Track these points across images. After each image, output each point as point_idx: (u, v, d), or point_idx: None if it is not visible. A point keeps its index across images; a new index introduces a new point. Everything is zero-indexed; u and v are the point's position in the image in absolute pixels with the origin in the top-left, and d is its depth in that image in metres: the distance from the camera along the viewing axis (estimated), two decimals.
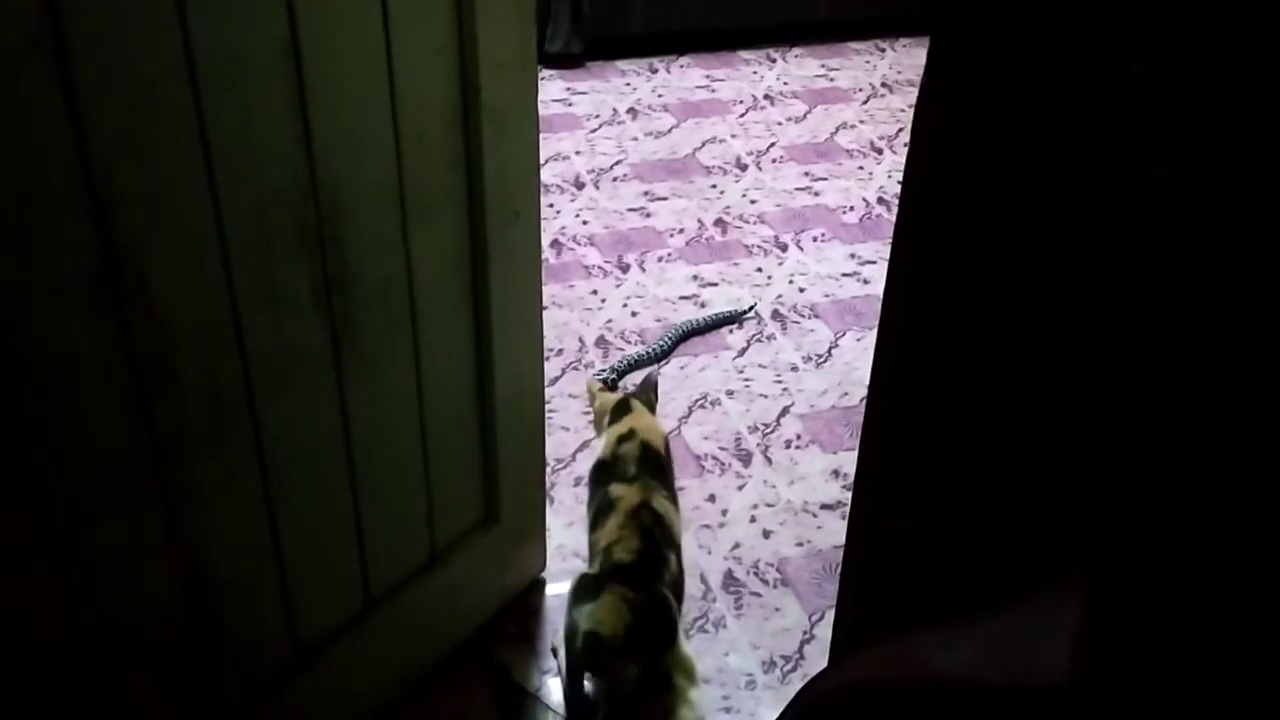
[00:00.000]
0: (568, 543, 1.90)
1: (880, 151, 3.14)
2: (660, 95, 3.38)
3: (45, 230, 0.99)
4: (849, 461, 1.99)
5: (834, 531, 1.94)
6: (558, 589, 1.82)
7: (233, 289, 1.17)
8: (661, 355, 2.31)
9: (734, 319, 2.43)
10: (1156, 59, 0.73)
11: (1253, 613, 0.67)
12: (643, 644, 1.52)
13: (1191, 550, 0.71)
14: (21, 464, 1.04)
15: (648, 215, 2.81)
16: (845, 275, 2.61)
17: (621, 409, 1.84)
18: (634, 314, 2.46)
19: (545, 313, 2.44)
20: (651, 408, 1.87)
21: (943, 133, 0.93)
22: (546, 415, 2.08)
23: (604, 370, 2.22)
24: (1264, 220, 0.73)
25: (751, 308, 2.46)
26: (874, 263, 2.65)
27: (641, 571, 1.55)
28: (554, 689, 1.66)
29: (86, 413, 1.08)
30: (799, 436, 2.15)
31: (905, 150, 1.01)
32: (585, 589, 1.55)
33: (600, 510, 1.66)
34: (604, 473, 1.72)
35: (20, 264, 0.98)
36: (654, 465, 1.72)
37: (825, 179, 2.98)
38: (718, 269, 2.62)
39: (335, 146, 1.22)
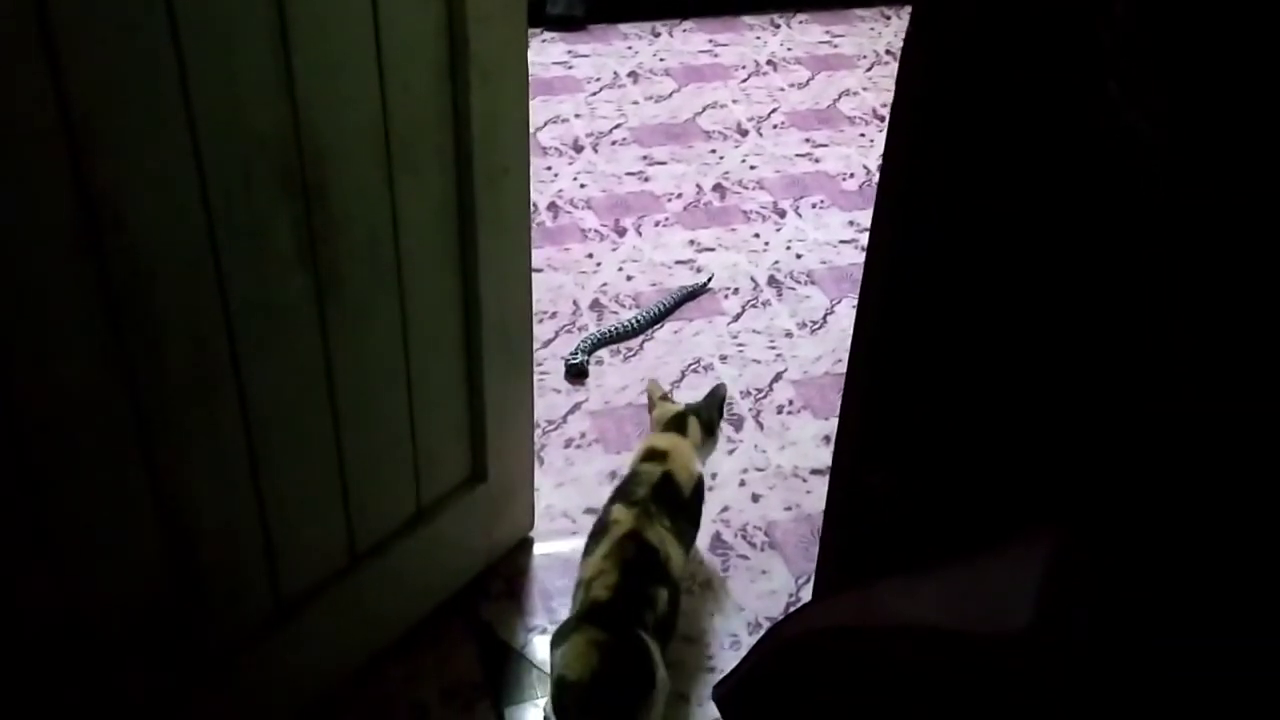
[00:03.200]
0: (556, 503, 1.90)
1: (882, 119, 3.11)
2: (662, 59, 3.35)
3: (22, 170, 0.98)
4: None
5: (823, 496, 1.91)
6: (546, 548, 1.82)
7: (214, 236, 1.16)
8: (628, 334, 2.25)
9: (695, 294, 2.38)
10: None
11: (1213, 564, 0.66)
12: (612, 692, 1.39)
13: (1155, 506, 0.70)
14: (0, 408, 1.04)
15: (646, 179, 2.79)
16: (843, 242, 2.60)
17: (677, 424, 1.72)
18: (629, 278, 2.45)
19: (540, 275, 2.44)
20: (711, 428, 1.75)
21: (925, 94, 0.92)
22: (539, 377, 2.08)
23: (574, 353, 2.17)
24: (1251, 169, 0.72)
25: (708, 280, 2.41)
26: None
27: (618, 610, 1.43)
28: (539, 646, 1.66)
29: (65, 357, 1.08)
30: (791, 402, 2.14)
31: None
32: (562, 631, 1.45)
33: (595, 533, 1.56)
34: (620, 488, 1.63)
35: None
36: (668, 497, 1.58)
37: (826, 146, 2.96)
38: (715, 234, 2.60)
39: (319, 93, 1.20)
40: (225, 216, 1.16)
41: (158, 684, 1.31)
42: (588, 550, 1.55)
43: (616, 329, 2.25)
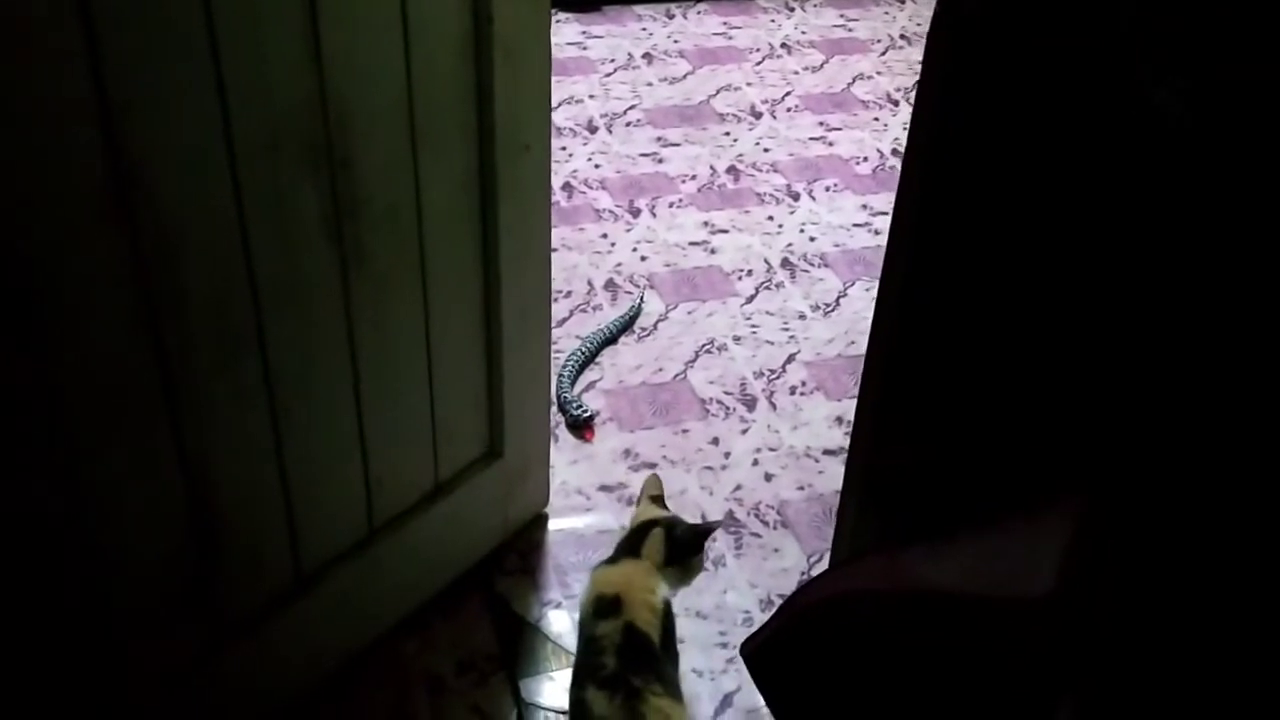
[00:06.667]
0: (571, 480, 1.92)
1: (896, 104, 3.11)
2: (676, 41, 3.35)
3: (55, 138, 0.99)
4: (853, 409, 1.99)
5: (835, 476, 1.95)
6: (560, 524, 1.84)
7: (241, 207, 1.17)
8: (580, 366, 2.13)
9: (633, 318, 2.26)
10: None
11: (1234, 535, 0.67)
12: None
13: (1179, 474, 0.71)
14: (30, 372, 1.05)
15: (660, 161, 2.79)
16: (856, 225, 2.60)
17: (632, 542, 1.46)
18: (643, 258, 2.46)
19: (555, 255, 2.44)
20: (682, 551, 1.45)
21: (950, 76, 0.93)
22: (553, 354, 2.09)
23: (573, 403, 2.01)
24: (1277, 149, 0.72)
25: (640, 300, 2.29)
26: (886, 214, 2.64)
27: None
28: (554, 620, 1.68)
29: (93, 322, 1.09)
30: (804, 383, 2.15)
31: None
32: None
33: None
34: (582, 662, 1.37)
35: (30, 168, 0.98)
36: (639, 655, 1.33)
37: (840, 129, 2.96)
38: (729, 216, 2.61)
39: (346, 68, 1.21)
40: (252, 188, 1.17)
41: (180, 650, 1.33)
42: None
43: (578, 357, 2.13)
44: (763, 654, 0.85)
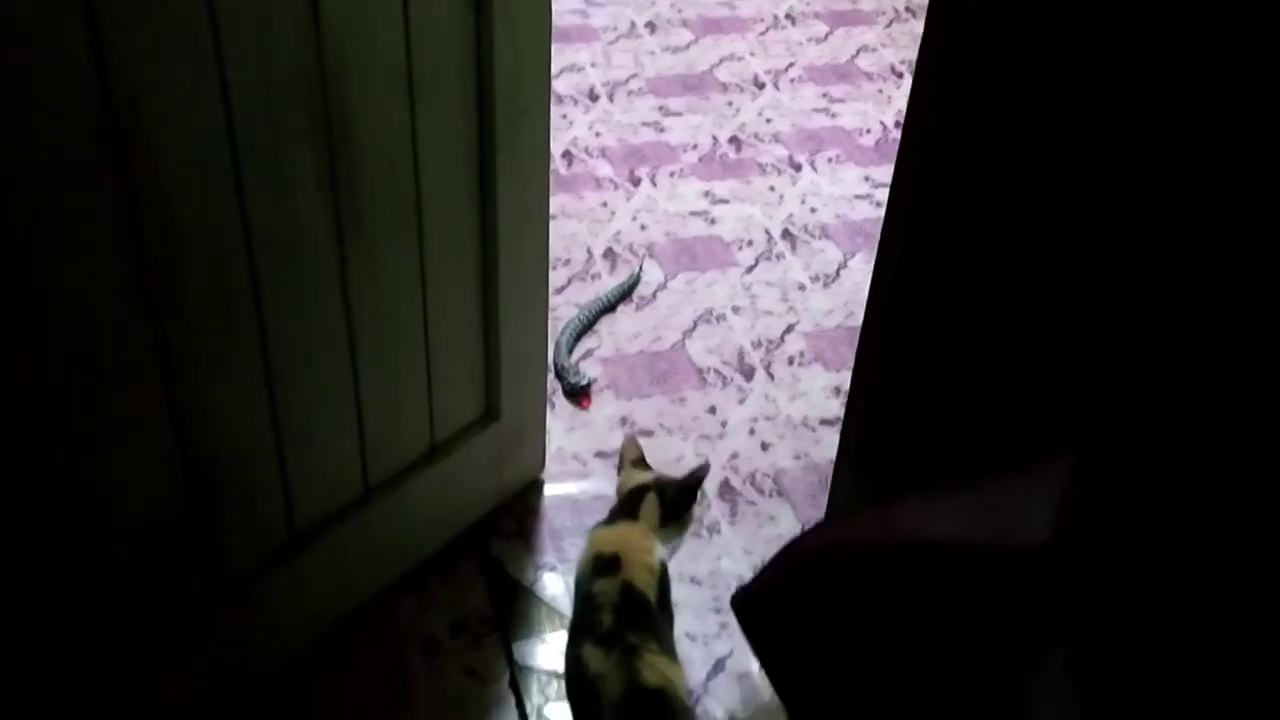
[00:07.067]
0: (567, 446, 1.92)
1: (900, 76, 3.09)
2: (679, 10, 3.32)
3: (52, 88, 0.99)
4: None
5: (832, 446, 1.94)
6: (556, 490, 1.84)
7: (236, 160, 1.17)
8: (578, 334, 2.13)
9: (632, 287, 2.26)
10: None
11: (1227, 487, 0.67)
12: None
13: (1175, 431, 0.71)
14: (22, 326, 1.05)
15: (661, 130, 2.78)
16: (858, 197, 2.59)
17: (629, 506, 1.47)
18: (643, 227, 2.45)
19: (554, 223, 2.43)
20: (677, 510, 1.48)
21: (950, 52, 0.92)
22: (551, 322, 2.09)
23: (572, 369, 2.02)
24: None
25: (640, 269, 2.30)
26: (888, 186, 2.62)
27: None
28: (548, 583, 1.69)
29: (86, 272, 1.09)
30: (802, 354, 2.15)
31: None
32: None
33: (575, 685, 1.32)
34: (580, 619, 1.38)
35: (26, 119, 0.98)
36: (637, 614, 1.34)
37: (843, 101, 2.94)
38: (730, 186, 2.60)
39: (345, 22, 1.20)
40: (248, 141, 1.17)
41: (174, 608, 1.33)
42: (576, 705, 1.33)
43: (575, 325, 2.13)
44: (753, 605, 0.86)
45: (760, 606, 0.84)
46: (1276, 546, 0.64)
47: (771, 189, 2.60)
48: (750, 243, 2.43)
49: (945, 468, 0.91)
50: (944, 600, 0.67)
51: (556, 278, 2.27)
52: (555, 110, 2.87)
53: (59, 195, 1.04)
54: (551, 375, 2.02)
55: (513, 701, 1.54)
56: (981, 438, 0.91)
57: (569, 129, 2.76)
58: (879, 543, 0.70)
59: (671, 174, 2.63)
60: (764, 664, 0.88)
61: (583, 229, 2.44)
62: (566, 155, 2.67)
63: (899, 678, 0.71)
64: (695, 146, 2.73)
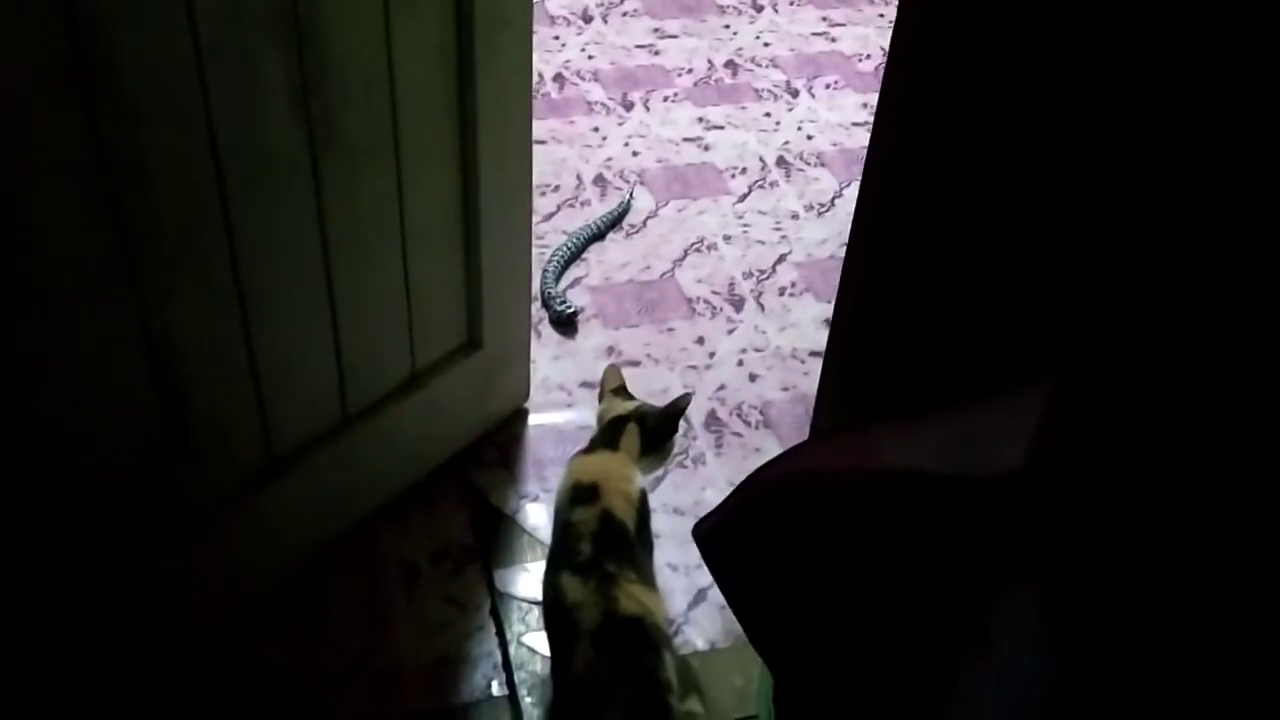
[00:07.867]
0: (553, 376, 1.89)
1: None
2: None
3: None
4: None
5: None
6: (541, 419, 1.82)
7: (202, 74, 1.12)
8: (576, 253, 2.10)
9: (622, 214, 2.21)
10: None
11: (1206, 420, 0.65)
12: None
13: (1161, 359, 0.68)
14: None
15: (656, 53, 2.71)
16: (856, 125, 2.53)
17: (609, 436, 1.45)
18: (635, 154, 2.40)
19: (544, 148, 2.38)
20: (657, 439, 1.46)
21: None
22: (538, 250, 2.05)
23: (557, 298, 1.97)
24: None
25: (630, 196, 2.24)
26: None
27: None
28: (531, 513, 1.67)
29: (52, 195, 1.05)
30: (793, 284, 2.11)
31: None
32: None
33: (554, 613, 1.30)
34: (557, 548, 1.36)
35: None
36: (616, 542, 1.32)
37: (843, 25, 2.87)
38: (724, 112, 2.54)
39: None
40: (214, 54, 1.11)
41: (145, 534, 1.31)
42: (553, 633, 1.31)
43: (563, 253, 2.08)
44: (715, 534, 0.83)
45: (720, 537, 0.81)
46: (1259, 483, 0.61)
47: (767, 115, 2.54)
48: (744, 170, 2.37)
49: (926, 397, 0.88)
50: (906, 531, 0.65)
51: (545, 204, 2.22)
52: (547, 31, 2.81)
53: (20, 108, 0.99)
54: (538, 304, 1.98)
55: (493, 629, 1.53)
56: (963, 367, 0.88)
57: (561, 51, 2.68)
58: (842, 472, 0.68)
59: (665, 99, 2.56)
60: (725, 595, 0.86)
61: (573, 154, 2.38)
62: (558, 78, 2.60)
63: (859, 610, 0.69)
64: (690, 70, 2.66)
